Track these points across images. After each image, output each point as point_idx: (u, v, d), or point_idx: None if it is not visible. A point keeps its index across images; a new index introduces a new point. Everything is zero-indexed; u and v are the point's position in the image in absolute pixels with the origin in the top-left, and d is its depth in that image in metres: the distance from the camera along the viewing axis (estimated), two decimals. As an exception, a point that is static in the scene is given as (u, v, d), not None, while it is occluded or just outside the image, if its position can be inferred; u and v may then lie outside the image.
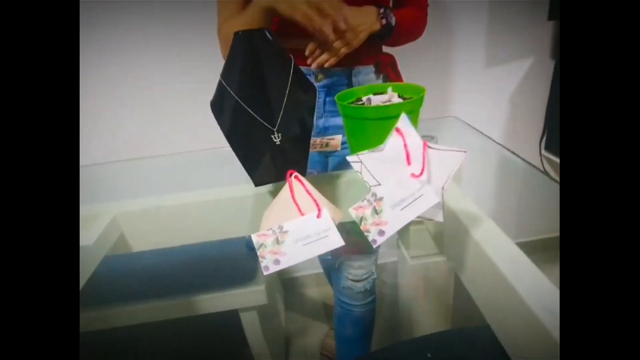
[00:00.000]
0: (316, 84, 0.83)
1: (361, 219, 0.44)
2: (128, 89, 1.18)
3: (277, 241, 0.45)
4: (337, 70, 0.81)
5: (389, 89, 0.64)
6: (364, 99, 0.64)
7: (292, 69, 0.63)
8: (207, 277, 0.96)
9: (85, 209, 0.68)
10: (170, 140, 1.26)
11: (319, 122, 0.88)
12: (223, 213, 0.74)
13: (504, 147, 0.74)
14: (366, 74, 0.84)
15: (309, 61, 0.75)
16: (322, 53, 0.73)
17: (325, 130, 0.89)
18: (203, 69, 1.17)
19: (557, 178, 1.40)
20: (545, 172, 0.65)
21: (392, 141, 0.46)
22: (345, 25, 0.68)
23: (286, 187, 0.49)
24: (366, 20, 0.72)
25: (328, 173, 0.75)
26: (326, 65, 0.73)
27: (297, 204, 0.48)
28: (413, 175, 0.45)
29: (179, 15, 1.11)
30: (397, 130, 0.45)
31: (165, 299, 0.95)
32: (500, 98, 1.31)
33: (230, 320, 1.03)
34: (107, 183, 0.85)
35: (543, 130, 1.32)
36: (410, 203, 0.44)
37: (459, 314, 0.85)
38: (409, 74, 0.88)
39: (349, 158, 0.48)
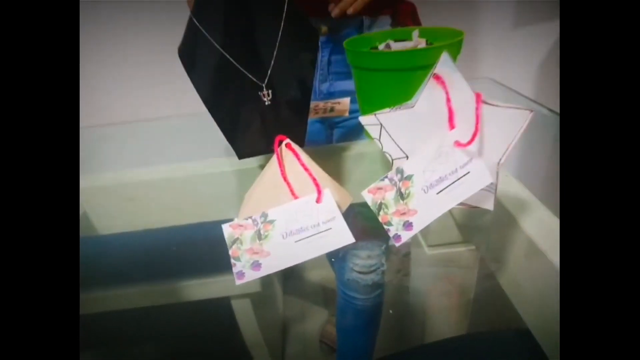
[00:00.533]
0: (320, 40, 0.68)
1: (380, 206, 0.30)
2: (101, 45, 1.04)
3: (259, 235, 0.31)
4: (345, 21, 0.66)
5: (415, 33, 0.49)
6: (381, 46, 0.49)
7: (286, 5, 0.47)
8: (191, 262, 0.85)
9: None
10: (145, 104, 1.14)
11: (322, 86, 0.73)
12: (203, 191, 0.61)
13: (553, 111, 0.60)
14: (381, 27, 0.68)
15: (330, 7, 0.59)
16: None
17: (330, 97, 0.74)
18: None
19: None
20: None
21: (428, 93, 0.31)
22: None
23: (274, 160, 0.35)
24: None
25: (332, 145, 0.61)
26: (350, 10, 0.57)
27: (288, 183, 0.34)
28: (458, 143, 0.30)
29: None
30: (436, 77, 0.31)
31: (145, 284, 0.84)
32: (531, 60, 1.15)
33: (221, 308, 0.92)
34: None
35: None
36: (452, 183, 0.30)
37: (481, 313, 0.73)
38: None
39: (363, 119, 0.34)
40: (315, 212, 0.32)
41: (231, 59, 0.46)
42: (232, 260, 0.30)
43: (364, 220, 0.43)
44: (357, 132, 0.63)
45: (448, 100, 0.30)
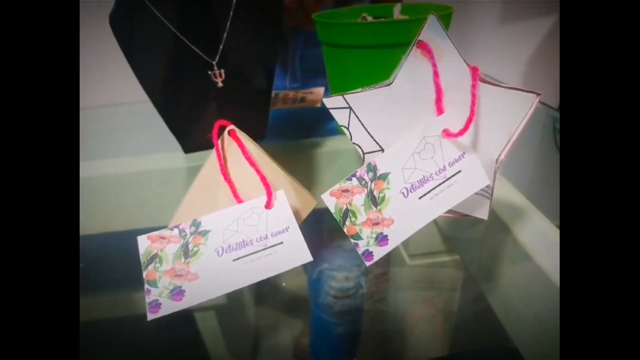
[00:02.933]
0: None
1: (345, 214, 0.23)
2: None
3: (186, 251, 0.23)
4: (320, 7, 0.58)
5: (397, 8, 0.42)
6: (358, 20, 0.42)
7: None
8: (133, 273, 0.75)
9: None
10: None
11: (293, 86, 0.65)
12: (144, 192, 0.52)
13: (545, 104, 0.54)
14: None
15: None
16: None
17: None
18: None
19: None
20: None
21: (409, 67, 0.24)
22: None
23: (213, 153, 0.27)
24: None
25: (298, 141, 0.54)
26: None
27: (229, 182, 0.26)
28: (447, 133, 0.23)
29: None
30: (421, 45, 0.24)
31: (89, 295, 0.74)
32: (517, 58, 1.10)
33: (183, 321, 0.83)
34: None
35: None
36: (439, 185, 0.23)
37: (464, 330, 0.66)
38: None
39: (328, 101, 0.26)
40: (264, 220, 0.24)
41: (174, 30, 0.38)
42: (146, 286, 0.22)
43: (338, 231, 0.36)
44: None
45: (436, 74, 0.23)
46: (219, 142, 0.27)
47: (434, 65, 0.23)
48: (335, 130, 0.53)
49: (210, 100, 0.41)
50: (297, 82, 0.64)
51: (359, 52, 0.36)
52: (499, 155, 0.24)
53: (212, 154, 0.29)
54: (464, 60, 0.23)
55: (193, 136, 0.42)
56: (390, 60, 0.35)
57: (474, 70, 0.23)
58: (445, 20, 0.36)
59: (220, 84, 0.40)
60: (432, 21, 0.24)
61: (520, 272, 0.36)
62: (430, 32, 0.24)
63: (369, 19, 0.41)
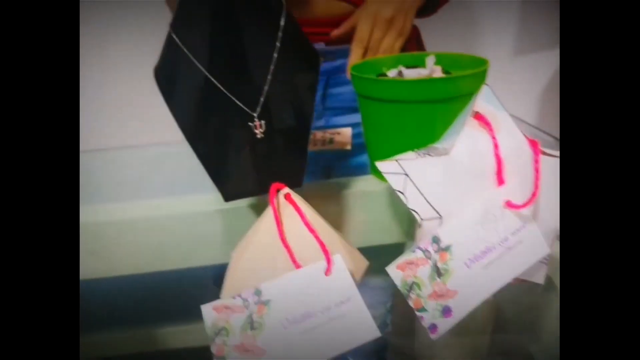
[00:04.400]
0: None
1: (411, 286, 0.23)
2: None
3: (252, 322, 0.23)
4: (342, 48, 0.59)
5: (430, 59, 0.43)
6: (391, 72, 0.43)
7: (283, 21, 0.41)
8: (169, 309, 0.75)
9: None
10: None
11: (316, 123, 0.66)
12: (181, 233, 0.52)
13: (557, 139, 0.54)
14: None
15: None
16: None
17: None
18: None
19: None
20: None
21: (467, 137, 0.24)
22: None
23: (269, 214, 0.28)
24: None
25: (330, 181, 0.54)
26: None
27: (287, 246, 0.27)
28: (509, 204, 0.24)
29: None
30: (478, 117, 0.24)
31: (118, 331, 0.73)
32: (532, 88, 1.12)
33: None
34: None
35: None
36: (502, 255, 0.23)
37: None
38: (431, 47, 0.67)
39: (382, 166, 0.27)
40: (324, 288, 0.25)
41: (217, 83, 0.39)
42: (214, 360, 0.22)
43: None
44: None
45: (495, 147, 0.24)
46: (276, 200, 0.28)
47: (493, 138, 0.24)
48: (359, 168, 0.54)
49: (249, 150, 0.41)
50: (320, 121, 0.65)
51: (397, 106, 0.37)
52: (558, 224, 0.24)
53: (266, 214, 0.29)
54: (522, 133, 0.24)
55: (233, 185, 0.43)
56: (428, 115, 0.36)
57: (534, 145, 0.23)
58: (481, 77, 0.37)
59: (260, 135, 0.41)
60: (486, 92, 0.25)
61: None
62: (486, 103, 0.24)
63: (404, 70, 0.42)
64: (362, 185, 0.49)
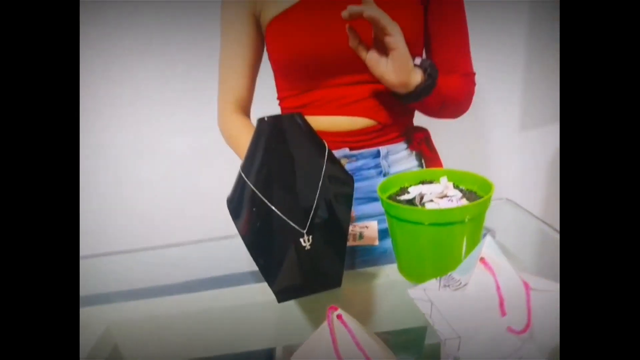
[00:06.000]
0: None
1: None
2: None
3: None
4: (363, 152, 0.70)
5: (443, 179, 0.53)
6: (414, 191, 0.52)
7: (326, 157, 0.52)
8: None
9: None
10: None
11: None
12: (237, 322, 0.61)
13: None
14: (396, 153, 0.72)
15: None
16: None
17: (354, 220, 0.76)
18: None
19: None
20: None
21: (478, 277, 0.33)
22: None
23: (325, 330, 0.36)
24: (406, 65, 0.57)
25: (361, 271, 0.63)
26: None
27: (338, 355, 0.35)
28: (510, 329, 0.32)
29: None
30: (483, 261, 0.33)
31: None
32: (539, 162, 1.21)
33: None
34: (97, 278, 0.72)
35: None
36: (509, 371, 0.31)
37: None
38: (441, 145, 0.77)
39: (413, 293, 0.35)
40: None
41: (275, 209, 0.49)
42: None
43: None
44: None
45: (497, 287, 0.32)
46: (331, 324, 0.36)
47: (495, 280, 0.32)
48: (380, 257, 0.62)
49: (299, 260, 0.51)
50: None
51: (420, 226, 0.46)
52: (554, 344, 0.32)
53: (322, 328, 0.38)
54: (518, 275, 0.33)
55: (285, 289, 0.52)
56: (447, 234, 0.45)
57: (526, 286, 0.32)
58: (489, 200, 0.46)
59: (308, 247, 0.50)
60: (489, 242, 0.34)
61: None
62: (489, 250, 0.33)
63: (423, 189, 0.52)
64: (384, 274, 0.58)
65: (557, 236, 0.61)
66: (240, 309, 0.61)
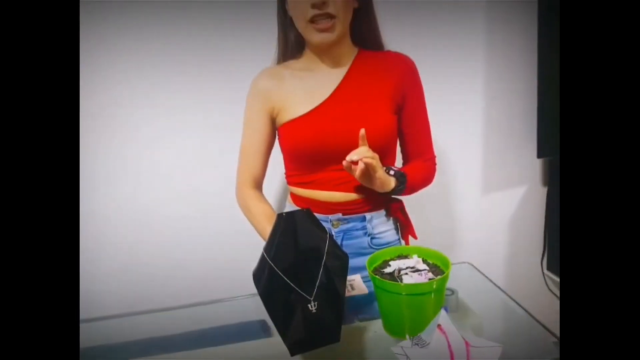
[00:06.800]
0: (333, 230, 0.89)
1: None
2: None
3: None
4: (352, 216, 0.88)
5: (415, 257, 0.70)
6: (393, 265, 0.69)
7: (327, 241, 0.69)
8: None
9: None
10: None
11: None
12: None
13: (515, 300, 0.79)
14: (378, 218, 0.91)
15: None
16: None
17: None
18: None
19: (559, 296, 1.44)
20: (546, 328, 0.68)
21: (436, 338, 0.50)
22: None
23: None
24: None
25: (354, 325, 0.78)
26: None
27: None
28: (459, 375, 0.48)
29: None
30: (440, 328, 0.50)
31: None
32: (500, 223, 1.40)
33: None
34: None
35: (543, 251, 1.39)
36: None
37: None
38: (412, 209, 0.96)
39: (394, 349, 0.51)
40: None
41: (289, 282, 0.65)
42: None
43: None
44: None
45: (449, 346, 0.49)
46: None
47: (447, 341, 0.49)
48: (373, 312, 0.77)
49: (306, 320, 0.66)
50: None
51: (399, 296, 0.63)
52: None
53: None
54: (462, 337, 0.49)
55: (296, 343, 0.66)
56: (419, 300, 0.62)
57: (467, 344, 0.48)
58: (446, 280, 0.64)
59: (314, 311, 0.66)
60: (443, 314, 0.50)
61: None
62: (443, 320, 0.50)
63: (398, 262, 0.69)
64: (376, 328, 0.72)
65: (503, 295, 0.79)
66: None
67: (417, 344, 0.51)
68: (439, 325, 0.50)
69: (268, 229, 0.84)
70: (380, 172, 0.76)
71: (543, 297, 1.44)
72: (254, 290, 0.66)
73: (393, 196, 0.90)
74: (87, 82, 1.13)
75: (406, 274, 0.66)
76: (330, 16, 0.77)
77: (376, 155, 0.75)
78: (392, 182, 0.80)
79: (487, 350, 0.49)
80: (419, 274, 0.66)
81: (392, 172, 0.81)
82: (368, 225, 0.89)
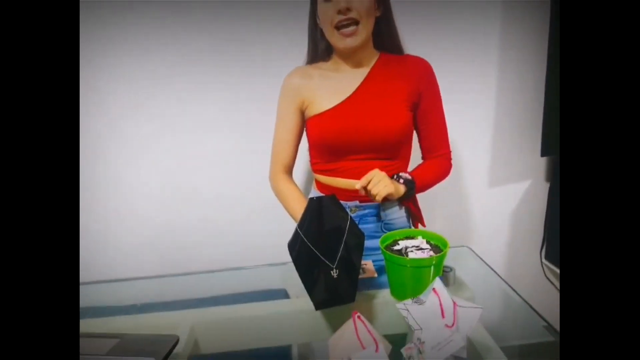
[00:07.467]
0: (351, 214, 1.03)
1: (409, 358, 0.62)
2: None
3: (348, 371, 0.62)
4: (368, 204, 1.03)
5: (419, 238, 0.85)
6: (401, 244, 0.85)
7: (348, 222, 0.84)
8: None
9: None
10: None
11: None
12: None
13: (506, 282, 0.93)
14: (391, 207, 1.05)
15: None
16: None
17: None
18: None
19: (558, 285, 1.57)
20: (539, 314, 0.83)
21: (431, 298, 0.65)
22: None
23: (350, 323, 0.68)
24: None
25: (365, 292, 0.94)
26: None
27: (360, 340, 0.66)
28: (447, 326, 0.63)
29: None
30: (434, 290, 0.65)
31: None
32: (504, 214, 1.52)
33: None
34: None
35: (542, 242, 1.52)
36: (444, 345, 0.63)
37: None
38: (423, 200, 1.10)
39: (399, 306, 0.67)
40: (375, 357, 0.63)
41: (316, 252, 0.82)
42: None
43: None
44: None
45: (440, 304, 0.64)
46: (355, 320, 0.67)
47: (440, 300, 0.64)
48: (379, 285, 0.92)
49: (329, 282, 0.82)
50: None
51: (405, 267, 0.78)
52: (467, 333, 0.63)
53: (349, 322, 0.68)
54: (451, 298, 0.64)
55: (321, 300, 0.83)
56: (421, 271, 0.77)
57: (454, 304, 0.64)
58: (444, 256, 0.79)
59: (335, 276, 0.81)
60: (438, 282, 0.66)
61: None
62: (438, 286, 0.65)
63: (406, 242, 0.84)
64: (384, 294, 0.88)
65: (497, 278, 0.94)
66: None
67: (416, 302, 0.66)
68: (433, 289, 0.65)
69: (297, 208, 1.00)
70: (391, 188, 0.89)
71: (540, 284, 1.57)
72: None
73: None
74: (86, 82, 1.17)
75: (411, 251, 0.82)
76: (355, 22, 0.89)
77: (383, 176, 0.89)
78: (401, 190, 0.95)
79: (470, 310, 0.64)
80: (422, 252, 0.81)
81: (401, 181, 0.95)
82: (381, 213, 1.03)
